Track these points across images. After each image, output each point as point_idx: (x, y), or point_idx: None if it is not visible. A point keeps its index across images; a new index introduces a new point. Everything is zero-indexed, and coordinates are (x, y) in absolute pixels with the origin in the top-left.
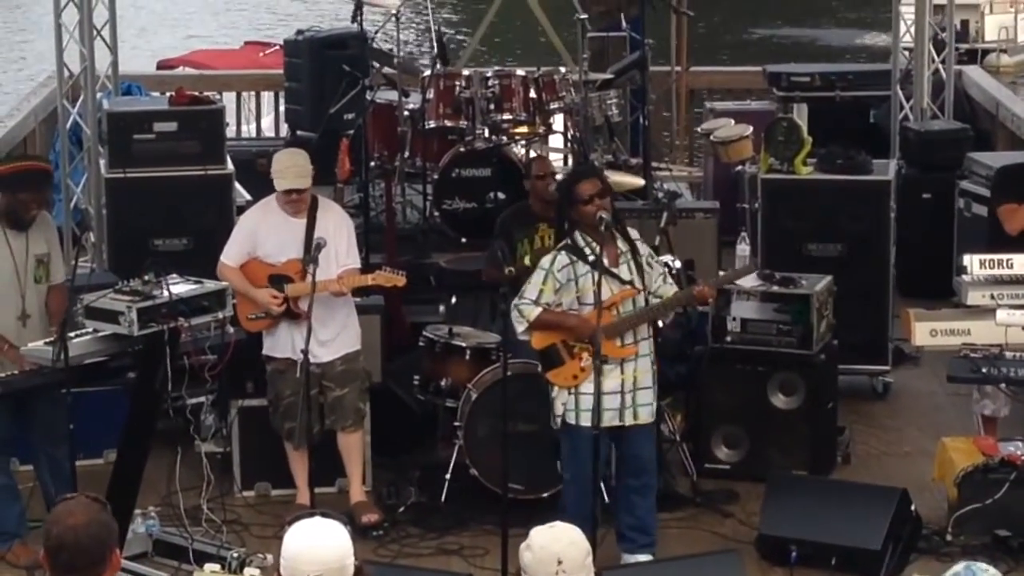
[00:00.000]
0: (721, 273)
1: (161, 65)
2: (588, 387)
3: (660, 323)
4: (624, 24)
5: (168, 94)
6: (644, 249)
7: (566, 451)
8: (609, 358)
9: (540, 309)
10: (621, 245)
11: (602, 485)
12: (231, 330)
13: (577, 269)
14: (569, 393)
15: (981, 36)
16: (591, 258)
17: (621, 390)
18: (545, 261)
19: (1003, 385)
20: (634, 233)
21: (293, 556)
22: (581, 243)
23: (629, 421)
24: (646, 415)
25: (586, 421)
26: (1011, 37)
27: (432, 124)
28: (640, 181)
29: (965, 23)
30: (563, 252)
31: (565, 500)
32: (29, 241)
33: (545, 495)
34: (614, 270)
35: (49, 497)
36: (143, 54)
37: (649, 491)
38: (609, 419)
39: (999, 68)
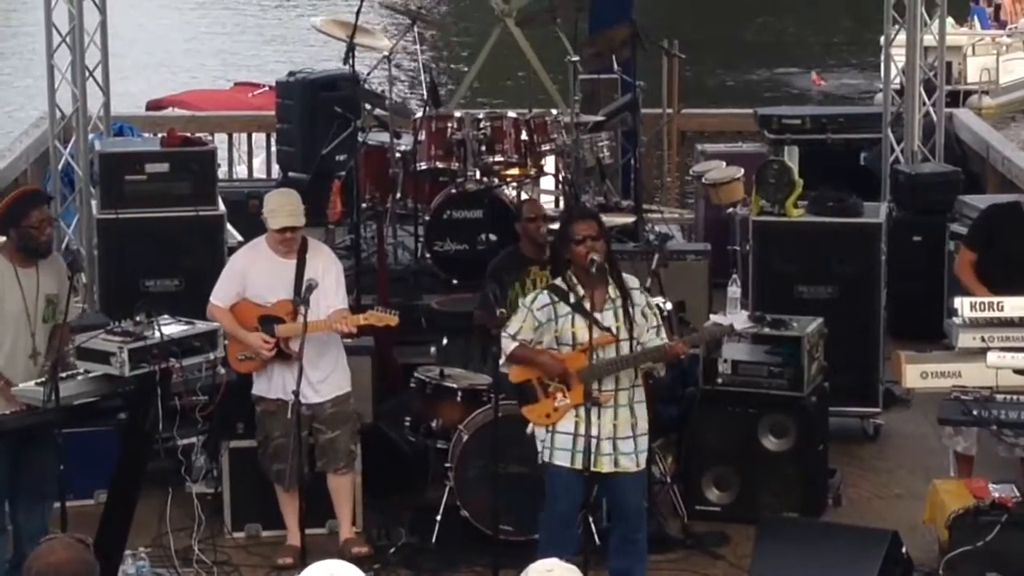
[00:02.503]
0: (705, 325)
1: (150, 105)
2: (565, 426)
3: (655, 375)
4: (615, 66)
5: (160, 135)
6: (640, 299)
7: (546, 487)
8: (583, 402)
9: (516, 344)
10: (611, 291)
11: (592, 526)
12: (222, 371)
13: (558, 310)
14: (547, 431)
15: (964, 78)
16: (573, 300)
17: (598, 435)
18: (527, 299)
19: (993, 427)
20: (632, 281)
21: None
22: (565, 285)
23: (608, 468)
24: (627, 463)
25: (561, 460)
26: (993, 79)
27: (424, 166)
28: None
29: (948, 65)
30: (545, 292)
31: (540, 536)
32: (40, 280)
33: (536, 536)
34: (596, 315)
35: (18, 540)
36: (135, 93)
37: (632, 541)
38: (580, 461)
39: (981, 110)
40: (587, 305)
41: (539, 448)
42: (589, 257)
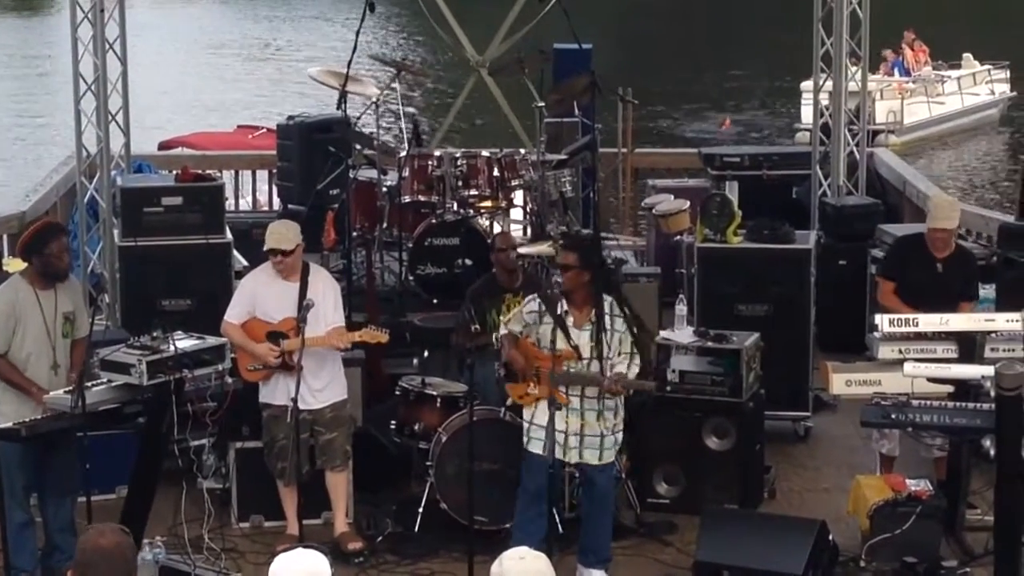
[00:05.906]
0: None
1: (161, 145)
2: (540, 419)
3: (620, 396)
4: (577, 111)
5: (174, 172)
6: (620, 327)
7: (522, 470)
8: (554, 399)
9: (507, 331)
10: (592, 317)
11: (556, 516)
12: (229, 380)
13: (543, 318)
14: (528, 423)
15: (872, 119)
16: (558, 312)
17: (566, 431)
18: (525, 301)
19: (909, 429)
20: (616, 310)
21: (273, 571)
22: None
23: (573, 459)
24: (589, 456)
25: (534, 448)
26: (898, 120)
27: (407, 199)
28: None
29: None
30: (535, 300)
31: (516, 513)
32: (58, 300)
33: (507, 526)
34: (574, 331)
35: (48, 531)
36: (151, 134)
37: (595, 518)
38: (547, 450)
39: (888, 147)
40: (569, 320)
41: (524, 437)
42: (554, 281)
